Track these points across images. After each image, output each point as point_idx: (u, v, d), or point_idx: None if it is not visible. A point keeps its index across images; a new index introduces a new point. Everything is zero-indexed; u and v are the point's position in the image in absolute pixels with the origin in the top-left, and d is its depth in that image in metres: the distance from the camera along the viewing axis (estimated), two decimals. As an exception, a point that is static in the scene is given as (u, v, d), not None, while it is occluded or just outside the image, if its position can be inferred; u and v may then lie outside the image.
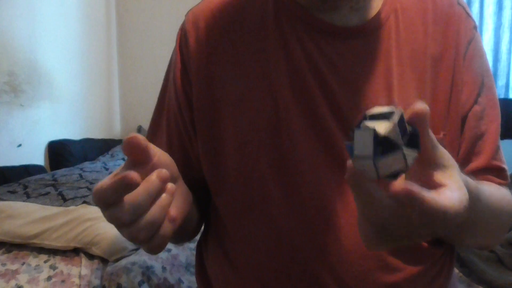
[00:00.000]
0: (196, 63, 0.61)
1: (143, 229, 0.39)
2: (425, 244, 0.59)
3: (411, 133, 0.32)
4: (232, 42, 0.60)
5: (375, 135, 0.31)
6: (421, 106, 0.33)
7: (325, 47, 0.57)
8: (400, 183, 0.31)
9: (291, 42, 0.58)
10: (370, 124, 0.32)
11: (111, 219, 0.39)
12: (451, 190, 0.35)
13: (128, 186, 0.37)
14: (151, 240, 0.40)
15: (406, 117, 0.33)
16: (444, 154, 0.37)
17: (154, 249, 0.41)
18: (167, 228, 0.40)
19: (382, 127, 0.31)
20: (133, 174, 0.36)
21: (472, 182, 0.44)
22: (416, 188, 0.31)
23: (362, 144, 0.31)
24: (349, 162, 0.33)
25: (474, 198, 0.44)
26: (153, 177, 0.39)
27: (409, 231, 0.34)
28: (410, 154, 0.32)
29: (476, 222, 0.51)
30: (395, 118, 0.31)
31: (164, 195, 0.40)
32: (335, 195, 0.56)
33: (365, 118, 0.33)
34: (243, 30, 0.60)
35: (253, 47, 0.59)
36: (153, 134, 0.68)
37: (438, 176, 0.36)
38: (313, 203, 0.56)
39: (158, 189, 0.39)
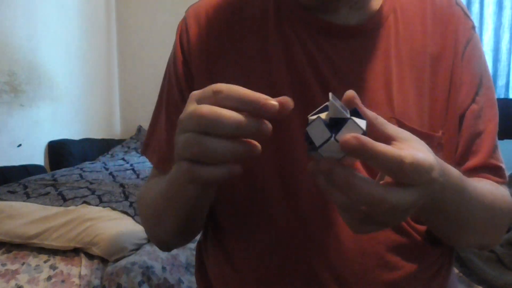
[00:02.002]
0: (197, 57, 0.61)
1: (233, 147, 0.37)
2: (424, 243, 0.59)
3: (351, 111, 0.36)
4: (233, 41, 0.60)
5: (323, 121, 0.35)
6: (348, 92, 0.37)
7: (325, 46, 0.58)
8: (349, 134, 0.32)
9: (291, 41, 0.58)
10: (314, 117, 0.35)
11: (203, 114, 0.36)
12: (407, 149, 0.35)
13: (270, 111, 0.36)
14: (218, 166, 0.38)
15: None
16: (400, 130, 0.38)
17: (209, 176, 0.38)
18: (234, 168, 0.39)
19: (324, 114, 0.35)
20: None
21: (454, 169, 0.45)
22: (365, 137, 0.32)
23: (319, 135, 0.35)
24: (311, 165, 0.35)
25: (458, 183, 0.45)
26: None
27: (388, 212, 0.35)
28: (361, 121, 0.35)
29: (467, 215, 0.51)
30: (330, 100, 0.35)
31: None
32: None
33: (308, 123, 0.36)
34: (244, 28, 0.60)
35: (253, 46, 0.59)
36: (153, 129, 0.68)
37: (396, 147, 0.36)
38: (312, 201, 0.56)
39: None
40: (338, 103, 0.35)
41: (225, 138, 0.37)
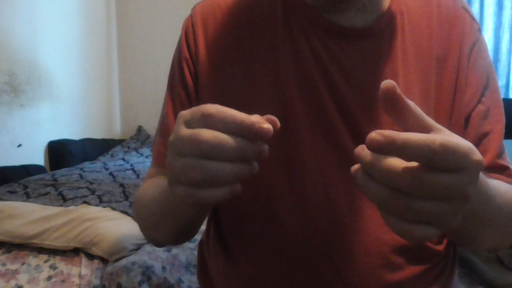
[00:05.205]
0: (203, 55, 0.61)
1: (234, 168, 0.37)
2: (428, 244, 0.59)
3: None
4: (241, 41, 0.60)
5: None
6: (387, 82, 0.36)
7: (333, 47, 0.58)
8: (372, 132, 0.31)
9: (299, 42, 0.58)
10: None
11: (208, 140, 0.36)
12: (441, 134, 0.33)
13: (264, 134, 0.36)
14: (220, 187, 0.38)
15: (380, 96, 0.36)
16: (436, 123, 0.36)
17: (212, 199, 0.38)
18: (235, 188, 0.38)
19: None
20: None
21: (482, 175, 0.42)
22: (388, 130, 0.31)
23: None
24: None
25: (487, 187, 0.43)
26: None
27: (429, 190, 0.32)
28: None
29: (494, 216, 0.49)
30: None
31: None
32: (340, 192, 0.56)
33: None
34: (252, 29, 0.60)
35: (262, 45, 0.60)
36: (159, 127, 0.67)
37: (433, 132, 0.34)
38: (318, 200, 0.56)
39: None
40: None
41: (226, 161, 0.37)
